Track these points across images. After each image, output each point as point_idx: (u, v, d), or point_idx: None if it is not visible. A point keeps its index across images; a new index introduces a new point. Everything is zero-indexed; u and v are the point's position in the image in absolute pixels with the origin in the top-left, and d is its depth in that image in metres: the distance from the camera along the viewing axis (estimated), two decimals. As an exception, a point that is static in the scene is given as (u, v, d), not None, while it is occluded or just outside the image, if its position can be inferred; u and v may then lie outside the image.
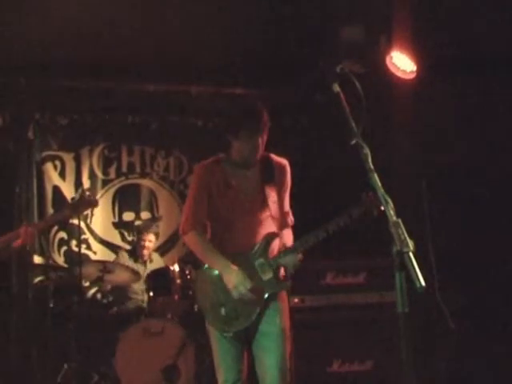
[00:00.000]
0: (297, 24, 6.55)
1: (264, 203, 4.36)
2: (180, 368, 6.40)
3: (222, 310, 4.21)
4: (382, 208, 2.65)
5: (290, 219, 4.55)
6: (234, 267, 4.20)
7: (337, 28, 6.28)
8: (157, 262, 8.01)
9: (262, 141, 4.30)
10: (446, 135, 6.56)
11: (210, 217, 4.41)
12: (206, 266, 4.36)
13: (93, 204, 5.79)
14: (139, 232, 8.01)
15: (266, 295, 4.23)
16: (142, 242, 7.85)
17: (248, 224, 4.33)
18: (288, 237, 4.46)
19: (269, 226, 4.37)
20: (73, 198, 7.93)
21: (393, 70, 6.30)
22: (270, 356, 4.22)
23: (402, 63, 6.30)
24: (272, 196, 4.39)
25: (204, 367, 6.34)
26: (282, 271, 4.34)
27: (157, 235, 8.28)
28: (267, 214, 4.37)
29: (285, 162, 4.53)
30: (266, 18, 6.56)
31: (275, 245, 4.35)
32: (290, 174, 4.52)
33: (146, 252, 7.87)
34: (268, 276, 4.23)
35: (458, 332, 5.73)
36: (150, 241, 7.92)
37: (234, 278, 4.17)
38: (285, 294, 4.42)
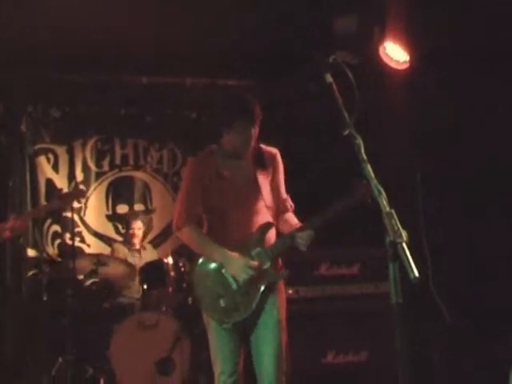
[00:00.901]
0: (290, 15, 6.55)
1: (258, 193, 4.37)
2: (175, 360, 6.39)
3: (221, 302, 4.21)
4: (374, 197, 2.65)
5: (290, 204, 4.57)
6: (234, 254, 4.21)
7: (330, 19, 6.27)
8: (151, 253, 8.01)
9: (254, 132, 4.31)
10: (440, 126, 6.55)
11: (205, 209, 4.41)
12: (202, 259, 4.35)
13: (79, 194, 5.83)
14: (127, 221, 8.05)
15: (264, 286, 4.24)
16: (131, 231, 7.89)
17: (243, 214, 4.33)
18: (292, 219, 4.49)
19: (264, 216, 4.38)
20: (61, 189, 7.94)
21: (386, 60, 6.29)
22: (267, 346, 4.23)
23: (395, 54, 6.29)
24: (265, 185, 4.41)
25: (199, 359, 6.34)
26: (279, 261, 4.36)
27: (146, 223, 8.28)
28: (262, 203, 4.38)
29: (275, 150, 4.54)
30: (259, 10, 6.54)
31: (271, 234, 4.37)
32: (281, 162, 4.53)
33: (136, 240, 7.89)
34: (266, 265, 4.24)
35: (453, 323, 5.73)
36: (139, 228, 7.95)
37: (236, 264, 4.18)
38: (282, 286, 4.44)
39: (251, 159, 4.43)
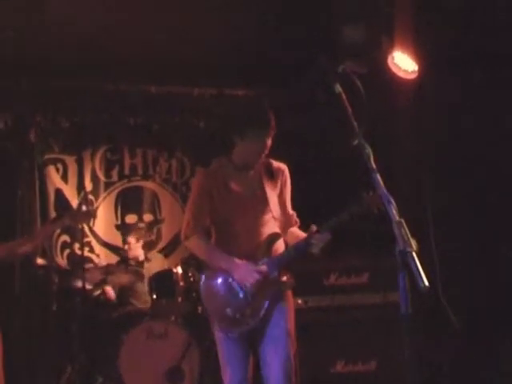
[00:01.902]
0: (298, 24, 6.56)
1: (266, 205, 4.38)
2: (184, 370, 6.40)
3: (228, 311, 4.22)
4: (382, 207, 2.65)
5: (295, 220, 4.60)
6: (240, 261, 4.22)
7: (338, 28, 6.28)
8: (161, 262, 8.02)
9: (267, 143, 4.33)
10: (449, 135, 6.55)
11: (213, 221, 4.44)
12: (209, 268, 4.39)
13: (90, 215, 5.83)
14: (123, 235, 8.08)
15: (271, 295, 4.24)
16: (126, 246, 7.91)
17: (250, 226, 4.35)
18: (298, 232, 4.51)
19: (271, 227, 4.41)
20: (74, 207, 7.95)
21: (394, 70, 6.29)
22: (275, 357, 4.22)
23: (403, 63, 6.29)
24: (273, 197, 4.43)
25: (208, 369, 6.34)
26: (286, 270, 4.36)
27: (141, 238, 8.24)
28: (269, 215, 4.40)
29: (284, 166, 4.57)
30: (266, 19, 6.56)
31: (279, 245, 4.38)
32: (289, 178, 4.56)
33: (133, 254, 7.88)
34: (273, 274, 4.24)
35: (462, 332, 5.72)
36: (135, 243, 7.94)
37: (243, 269, 4.20)
38: (290, 296, 4.44)
39: (260, 171, 4.45)
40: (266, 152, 4.37)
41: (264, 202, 4.38)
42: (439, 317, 5.79)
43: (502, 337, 6.21)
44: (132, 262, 7.84)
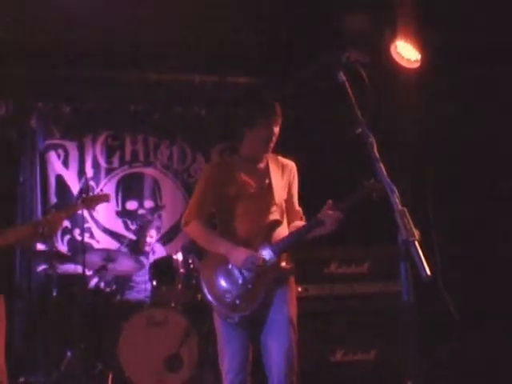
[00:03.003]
0: (301, 13, 6.54)
1: (271, 196, 4.42)
2: (183, 357, 6.40)
3: (227, 296, 4.23)
4: (382, 194, 2.66)
5: (301, 216, 4.62)
6: (239, 247, 4.25)
7: (341, 17, 6.27)
8: (159, 251, 8.03)
9: (275, 130, 4.37)
10: (451, 123, 6.54)
11: (218, 209, 4.49)
12: (209, 254, 4.42)
13: (104, 199, 5.74)
14: (142, 227, 8.04)
15: (270, 279, 4.26)
16: (145, 238, 7.89)
17: (255, 215, 4.38)
18: (302, 223, 4.53)
19: (274, 215, 4.43)
20: (82, 192, 7.93)
21: (397, 59, 6.28)
22: (277, 345, 4.23)
23: (406, 52, 6.28)
24: (279, 190, 4.47)
25: (207, 356, 6.35)
26: (286, 257, 4.39)
27: (158, 229, 8.31)
28: (274, 208, 4.43)
29: (292, 163, 4.63)
30: (269, 8, 6.54)
31: (279, 232, 4.39)
32: (297, 175, 4.62)
33: (147, 248, 7.90)
34: (272, 260, 4.25)
35: (461, 321, 5.73)
36: (152, 236, 7.96)
37: (241, 255, 4.21)
38: (293, 283, 4.47)
39: (268, 164, 4.51)
40: (274, 140, 4.41)
41: (270, 193, 4.42)
42: (439, 307, 5.80)
43: (503, 327, 6.22)
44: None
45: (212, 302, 4.28)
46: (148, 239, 7.91)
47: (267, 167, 4.50)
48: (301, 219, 4.59)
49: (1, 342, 4.70)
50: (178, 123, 8.79)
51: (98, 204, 5.59)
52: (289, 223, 4.54)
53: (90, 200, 5.53)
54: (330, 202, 4.27)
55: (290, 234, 4.40)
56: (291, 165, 4.61)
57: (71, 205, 5.55)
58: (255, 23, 6.82)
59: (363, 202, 4.23)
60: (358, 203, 4.28)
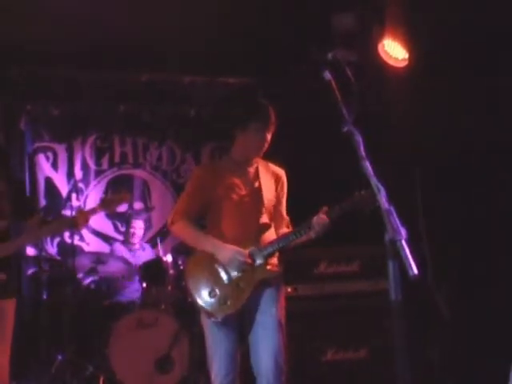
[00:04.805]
0: (289, 12, 6.53)
1: (260, 199, 4.43)
2: (174, 359, 6.40)
3: (212, 295, 4.24)
4: (372, 205, 2.65)
5: (288, 225, 4.62)
6: (226, 244, 4.26)
7: (329, 15, 6.26)
8: (149, 252, 8.00)
9: (267, 137, 4.39)
10: (440, 123, 6.54)
11: (207, 211, 4.48)
12: (195, 253, 4.44)
13: (124, 199, 5.63)
14: (127, 219, 8.02)
15: (257, 281, 4.26)
16: (131, 229, 7.86)
17: (244, 218, 4.39)
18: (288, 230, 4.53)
19: (263, 218, 4.45)
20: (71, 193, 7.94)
21: (385, 57, 6.27)
22: (265, 345, 4.24)
23: (394, 51, 6.27)
24: (268, 194, 4.48)
25: (198, 357, 6.33)
26: (274, 259, 4.38)
27: (146, 221, 8.28)
28: (262, 207, 4.44)
29: (282, 171, 4.65)
30: (257, 7, 6.53)
31: (268, 235, 4.40)
32: (286, 183, 4.63)
33: (136, 240, 7.86)
34: (259, 262, 4.25)
35: (452, 320, 5.73)
36: (140, 228, 7.93)
37: (228, 253, 4.23)
38: (282, 285, 4.48)
39: (258, 168, 4.52)
40: (266, 146, 4.43)
41: (259, 196, 4.43)
42: (430, 307, 5.81)
43: (492, 326, 6.22)
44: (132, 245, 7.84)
45: (197, 300, 4.28)
46: (137, 231, 7.88)
47: (257, 171, 4.50)
48: (287, 227, 4.58)
49: (7, 344, 4.72)
50: (167, 124, 8.79)
51: (118, 205, 5.52)
52: (275, 230, 4.53)
53: (109, 201, 5.46)
54: (325, 208, 4.26)
55: (279, 237, 4.40)
56: (281, 173, 4.62)
57: (91, 208, 5.48)
58: (244, 23, 6.81)
59: (353, 213, 4.22)
60: (347, 214, 4.27)
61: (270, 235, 4.41)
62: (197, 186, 4.48)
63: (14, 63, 7.55)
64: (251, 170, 4.50)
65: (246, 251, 4.24)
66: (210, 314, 4.25)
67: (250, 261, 4.22)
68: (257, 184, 4.46)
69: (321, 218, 4.20)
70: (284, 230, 4.53)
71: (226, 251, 4.24)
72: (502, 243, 6.26)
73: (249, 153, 4.47)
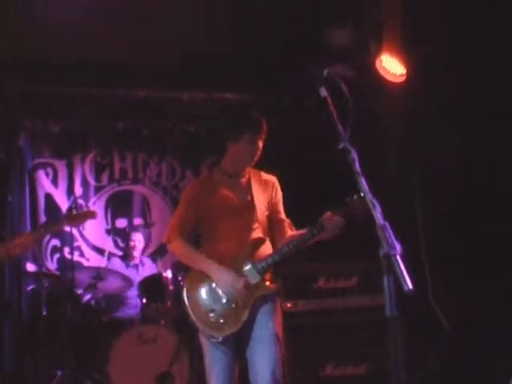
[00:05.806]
0: (286, 28, 6.56)
1: (253, 211, 4.43)
2: (174, 375, 6.39)
3: (211, 316, 4.22)
4: (365, 211, 2.65)
5: (291, 226, 4.60)
6: (223, 267, 4.25)
7: (325, 31, 6.29)
8: (150, 267, 8.00)
9: (259, 146, 4.40)
10: (437, 137, 6.56)
11: (201, 226, 4.48)
12: (193, 273, 4.41)
13: (90, 216, 5.70)
14: (127, 233, 8.03)
15: (255, 298, 4.26)
16: (131, 243, 7.87)
17: (238, 231, 4.39)
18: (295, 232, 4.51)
19: (258, 233, 4.44)
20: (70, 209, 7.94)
21: (382, 73, 6.30)
22: (263, 360, 4.22)
23: (391, 66, 6.30)
24: (261, 206, 4.47)
25: (198, 374, 6.32)
26: (270, 274, 4.38)
27: (146, 236, 8.29)
28: (255, 221, 4.44)
29: (274, 178, 4.65)
30: (254, 23, 6.56)
31: (263, 249, 4.39)
32: (280, 190, 4.63)
33: (136, 253, 7.86)
34: (256, 280, 4.26)
35: (451, 333, 5.73)
36: (139, 241, 7.93)
37: (224, 277, 4.22)
38: (278, 299, 4.45)
39: (250, 180, 4.53)
40: (258, 155, 4.43)
41: (252, 209, 4.44)
42: (429, 319, 5.80)
43: (491, 338, 6.21)
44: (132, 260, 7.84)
45: (195, 322, 4.27)
46: (136, 244, 7.88)
47: (249, 183, 4.51)
48: (291, 229, 4.56)
49: None
50: (166, 140, 8.80)
51: (83, 221, 5.55)
52: (278, 237, 4.53)
53: (75, 217, 5.50)
54: (328, 213, 4.25)
55: (282, 246, 4.35)
56: (273, 180, 4.62)
57: (54, 222, 5.49)
58: (241, 40, 6.84)
59: (346, 219, 4.23)
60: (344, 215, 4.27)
61: (265, 250, 4.40)
62: (188, 200, 4.50)
63: (13, 79, 7.56)
64: (243, 181, 4.52)
65: (243, 277, 4.23)
66: (209, 336, 4.25)
67: (246, 286, 4.21)
68: (249, 197, 4.46)
69: (330, 218, 4.20)
70: (292, 232, 4.52)
71: (222, 276, 4.23)
72: (502, 251, 6.26)
73: (241, 163, 4.48)
